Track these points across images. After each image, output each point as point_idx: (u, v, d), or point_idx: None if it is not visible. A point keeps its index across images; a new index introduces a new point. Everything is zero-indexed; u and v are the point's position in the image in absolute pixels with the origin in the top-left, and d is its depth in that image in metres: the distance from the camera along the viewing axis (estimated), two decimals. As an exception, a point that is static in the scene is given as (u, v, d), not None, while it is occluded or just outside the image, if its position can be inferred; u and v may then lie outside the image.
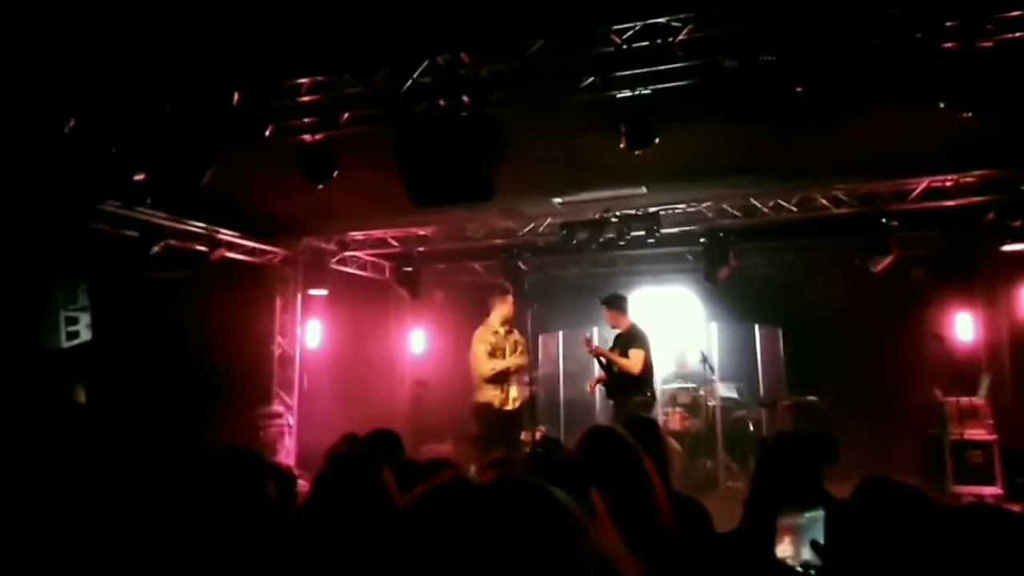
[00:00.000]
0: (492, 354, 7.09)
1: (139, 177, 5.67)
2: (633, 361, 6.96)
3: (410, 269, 9.75)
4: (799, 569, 1.89)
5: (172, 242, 7.62)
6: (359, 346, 10.21)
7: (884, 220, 7.76)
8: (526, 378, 7.17)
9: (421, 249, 9.66)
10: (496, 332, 7.20)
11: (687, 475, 8.07)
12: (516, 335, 7.32)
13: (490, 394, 7.04)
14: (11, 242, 5.70)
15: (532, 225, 8.95)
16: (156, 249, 7.30)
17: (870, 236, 7.95)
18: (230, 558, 1.78)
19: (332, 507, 1.89)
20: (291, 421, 9.14)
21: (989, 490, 7.08)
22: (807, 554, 1.90)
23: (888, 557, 1.86)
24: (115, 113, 5.58)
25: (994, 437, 7.43)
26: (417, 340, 11.37)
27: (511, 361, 7.10)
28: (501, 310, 7.21)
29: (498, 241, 9.32)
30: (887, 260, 7.88)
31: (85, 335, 6.31)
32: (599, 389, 7.78)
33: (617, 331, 7.35)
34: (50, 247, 5.89)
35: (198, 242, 8.08)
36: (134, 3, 4.44)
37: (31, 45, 4.68)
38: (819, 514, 1.94)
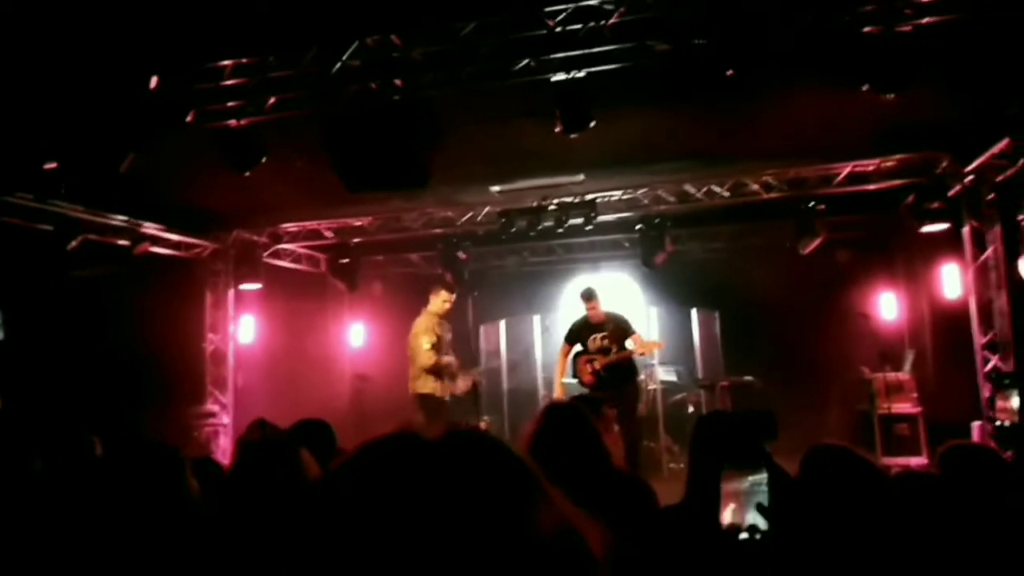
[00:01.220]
0: (435, 346, 7.01)
1: (50, 166, 5.34)
2: (647, 344, 7.31)
3: (347, 261, 9.54)
4: (745, 534, 1.90)
5: (91, 236, 7.24)
6: (296, 341, 9.95)
7: (812, 204, 7.99)
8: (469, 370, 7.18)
9: (357, 240, 9.46)
10: (441, 324, 7.15)
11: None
12: (449, 333, 7.37)
13: (431, 384, 6.98)
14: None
15: (470, 214, 8.87)
16: (73, 244, 6.93)
17: (799, 220, 8.17)
18: (146, 554, 1.67)
19: (249, 495, 1.79)
20: (226, 420, 8.84)
21: (916, 460, 7.39)
22: (753, 518, 1.90)
23: (835, 516, 1.89)
24: (24, 98, 5.24)
25: (919, 410, 7.76)
26: (356, 334, 11.16)
27: (448, 358, 7.08)
28: (439, 304, 7.14)
29: (436, 231, 9.21)
30: (815, 243, 8.12)
31: (-2, 335, 5.94)
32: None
33: (586, 319, 7.28)
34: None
35: (119, 236, 7.71)
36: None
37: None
38: (763, 477, 1.95)
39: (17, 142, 5.24)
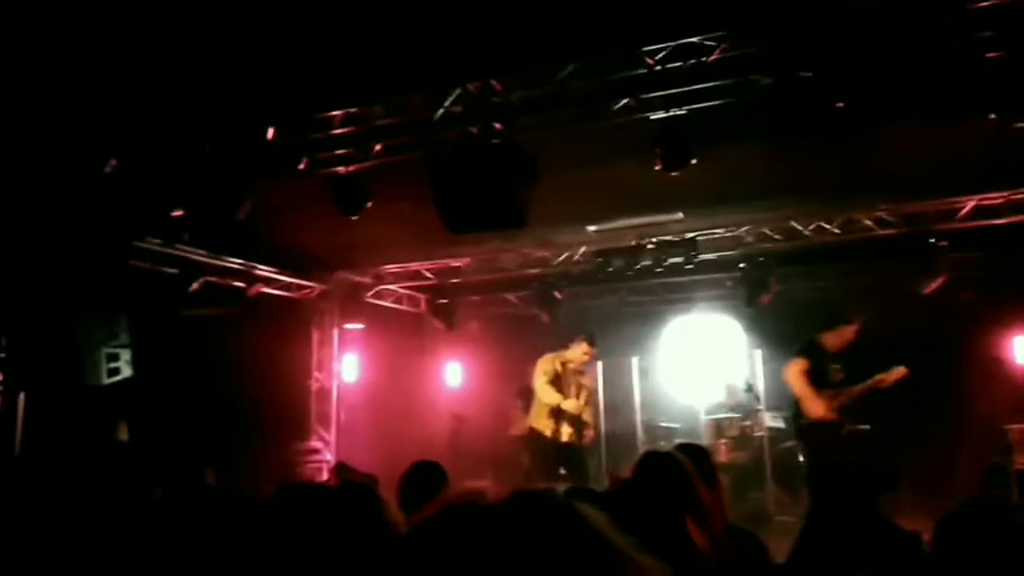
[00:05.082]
0: (555, 383, 6.89)
1: (177, 213, 5.75)
2: (892, 373, 6.27)
3: (445, 301, 9.72)
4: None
5: (211, 278, 7.70)
6: (396, 380, 10.15)
7: (932, 240, 7.49)
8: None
9: (455, 281, 9.62)
10: (565, 364, 7.01)
11: (735, 509, 7.76)
12: (586, 381, 7.16)
13: (544, 422, 6.84)
14: (52, 279, 5.80)
15: (567, 254, 8.86)
16: (195, 286, 7.38)
17: (918, 258, 7.67)
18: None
19: (328, 540, 1.77)
20: (329, 457, 9.07)
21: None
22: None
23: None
24: (154, 151, 5.69)
25: (1063, 466, 7.03)
26: (453, 373, 11.28)
27: (571, 404, 6.85)
28: (577, 354, 7.00)
29: (532, 271, 9.24)
30: (937, 282, 7.59)
31: (126, 371, 6.35)
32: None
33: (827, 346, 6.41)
34: (91, 284, 5.98)
35: (236, 278, 8.16)
36: (172, 45, 4.53)
37: (73, 87, 4.80)
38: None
39: (148, 191, 5.67)
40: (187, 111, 5.20)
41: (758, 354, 9.24)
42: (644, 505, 2.05)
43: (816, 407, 6.14)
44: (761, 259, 8.16)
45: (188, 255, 7.32)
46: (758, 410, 8.58)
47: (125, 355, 6.18)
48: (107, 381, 5.99)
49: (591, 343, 7.10)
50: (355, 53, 4.59)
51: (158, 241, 6.78)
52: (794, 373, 6.24)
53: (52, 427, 6.01)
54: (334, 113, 5.32)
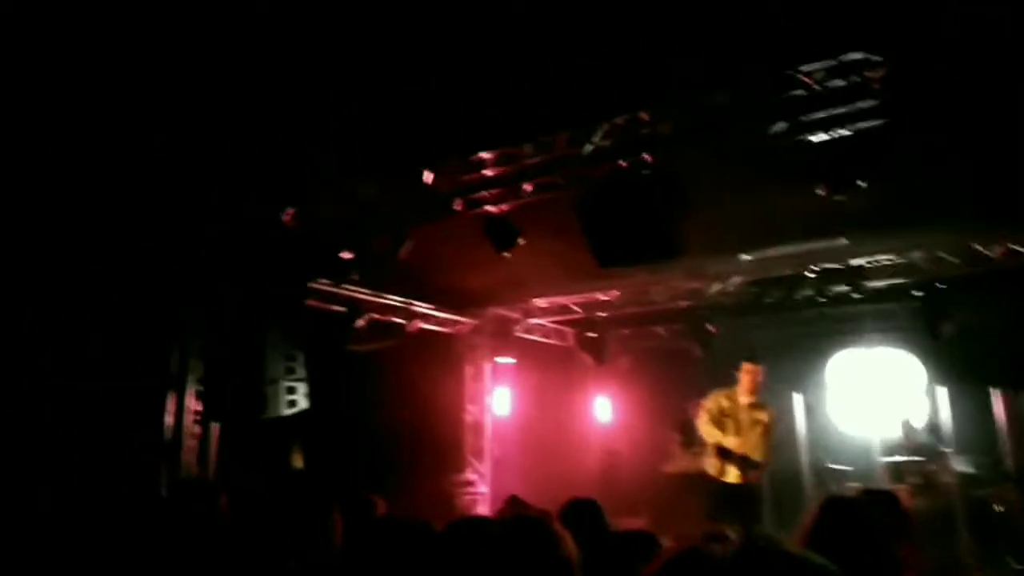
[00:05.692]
0: (718, 421, 6.59)
1: (346, 255, 6.20)
2: None
3: (594, 335, 9.68)
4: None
5: (374, 315, 8.17)
6: (546, 414, 10.20)
7: None
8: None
9: (603, 314, 9.57)
10: (732, 399, 6.68)
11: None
12: (762, 414, 6.62)
13: (711, 462, 6.57)
14: (241, 319, 6.41)
15: (719, 285, 8.56)
16: (360, 322, 7.86)
17: None
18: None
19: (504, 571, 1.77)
20: (483, 489, 9.23)
21: None
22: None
23: None
24: (324, 199, 6.18)
25: None
26: (603, 408, 11.16)
27: (733, 441, 6.47)
28: (743, 381, 6.67)
29: (683, 303, 9.00)
30: None
31: (303, 404, 6.81)
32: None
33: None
34: (274, 323, 6.54)
35: (396, 315, 8.61)
36: (337, 97, 4.93)
37: (253, 145, 5.35)
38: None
39: (320, 236, 6.17)
40: (353, 160, 5.61)
41: (942, 391, 8.39)
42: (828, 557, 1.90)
43: None
44: (939, 285, 7.44)
45: (354, 294, 7.84)
46: (944, 452, 7.76)
47: (302, 388, 6.66)
48: (286, 413, 6.48)
49: (749, 359, 6.77)
50: (506, 95, 4.76)
51: (328, 281, 7.31)
52: None
53: (240, 454, 6.58)
54: (486, 155, 5.52)
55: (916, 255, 7.39)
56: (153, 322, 6.39)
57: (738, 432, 6.51)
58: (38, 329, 5.93)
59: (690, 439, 8.90)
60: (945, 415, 8.03)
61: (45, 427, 5.70)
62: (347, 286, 7.62)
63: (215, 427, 6.64)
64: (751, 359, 6.78)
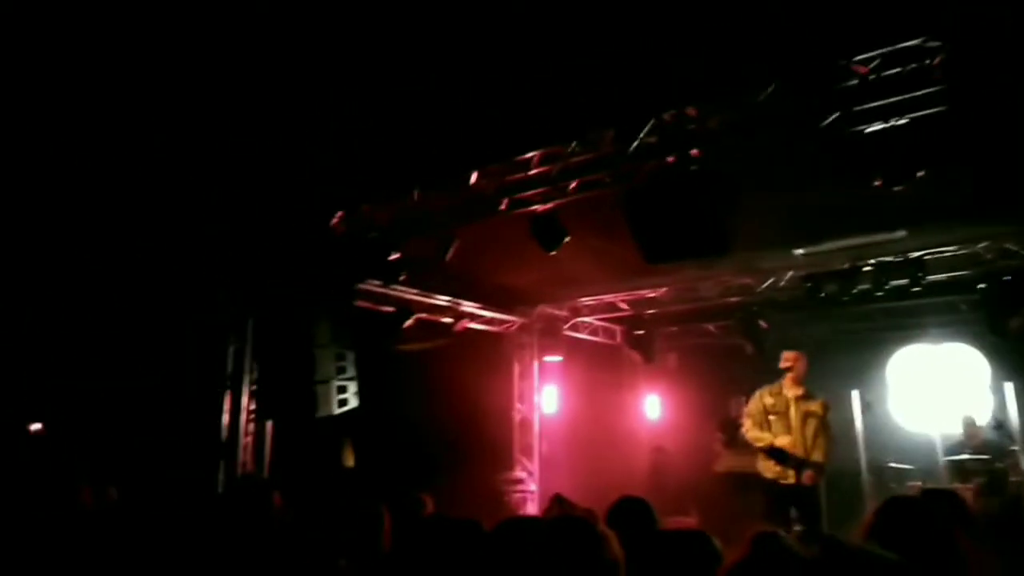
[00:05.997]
0: (763, 423, 6.26)
1: (395, 257, 6.28)
2: None
3: (642, 332, 9.58)
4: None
5: (422, 315, 8.26)
6: (594, 411, 10.15)
7: None
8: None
9: (651, 312, 9.46)
10: (777, 395, 6.30)
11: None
12: (814, 405, 6.19)
13: (762, 463, 6.27)
14: (295, 320, 6.56)
15: (771, 280, 8.37)
16: (409, 322, 7.95)
17: None
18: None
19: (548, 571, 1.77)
20: (533, 487, 9.25)
21: None
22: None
23: None
24: (373, 202, 6.27)
25: None
26: (652, 406, 11.05)
27: (778, 438, 6.12)
28: (786, 369, 6.32)
29: (733, 299, 8.83)
30: None
31: (353, 402, 6.93)
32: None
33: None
34: (325, 323, 6.67)
35: (444, 314, 8.68)
36: (389, 106, 4.99)
37: (310, 157, 5.48)
38: None
39: (370, 238, 6.27)
40: (402, 166, 5.68)
41: (1009, 387, 8.06)
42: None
43: None
44: (1007, 278, 7.13)
45: (403, 294, 7.93)
46: (1013, 450, 7.45)
47: (352, 387, 6.78)
48: (337, 411, 6.60)
49: (788, 347, 6.51)
50: (551, 94, 4.75)
51: (378, 283, 7.41)
52: None
53: (293, 453, 6.74)
54: (530, 154, 5.51)
55: (980, 247, 7.10)
56: (210, 325, 6.59)
57: (788, 430, 6.19)
58: (104, 333, 6.18)
59: (732, 437, 8.73)
60: (1013, 412, 7.70)
61: (108, 426, 5.93)
62: (396, 287, 7.71)
63: (269, 426, 6.81)
64: (791, 348, 6.48)
